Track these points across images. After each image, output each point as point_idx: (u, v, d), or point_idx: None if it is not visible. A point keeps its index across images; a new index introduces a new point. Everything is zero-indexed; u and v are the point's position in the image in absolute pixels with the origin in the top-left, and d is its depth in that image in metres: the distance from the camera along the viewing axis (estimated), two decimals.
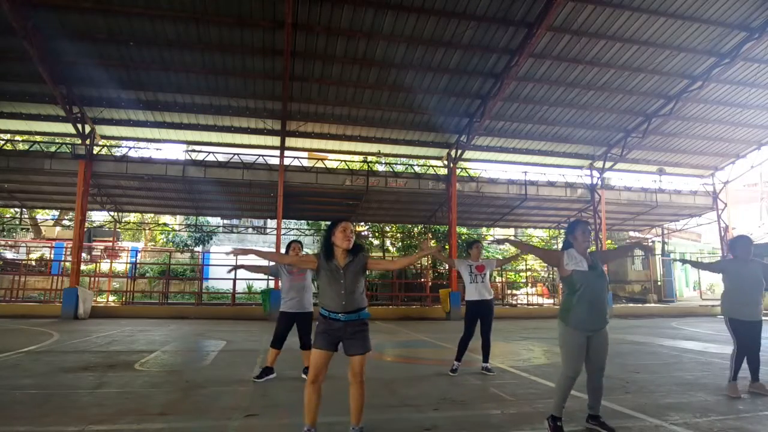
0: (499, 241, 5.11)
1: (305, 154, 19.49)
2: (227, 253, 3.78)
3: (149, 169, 16.00)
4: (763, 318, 4.96)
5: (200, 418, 3.93)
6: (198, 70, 13.45)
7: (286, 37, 11.93)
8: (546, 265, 22.01)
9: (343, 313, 3.21)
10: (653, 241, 26.13)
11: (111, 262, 22.01)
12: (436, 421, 3.88)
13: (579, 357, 3.53)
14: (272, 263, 5.74)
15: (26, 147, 16.21)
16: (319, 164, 17.45)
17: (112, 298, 19.55)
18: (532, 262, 26.55)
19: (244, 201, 18.97)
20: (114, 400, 4.44)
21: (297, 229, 24.97)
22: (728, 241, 6.15)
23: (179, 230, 26.08)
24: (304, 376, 5.49)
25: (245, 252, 3.56)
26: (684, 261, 5.76)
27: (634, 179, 20.78)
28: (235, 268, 5.74)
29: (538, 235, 28.60)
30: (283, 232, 18.60)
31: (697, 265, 5.60)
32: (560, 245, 3.96)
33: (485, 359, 6.00)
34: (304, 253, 5.44)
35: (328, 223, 3.46)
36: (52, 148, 16.13)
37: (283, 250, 7.02)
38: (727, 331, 5.00)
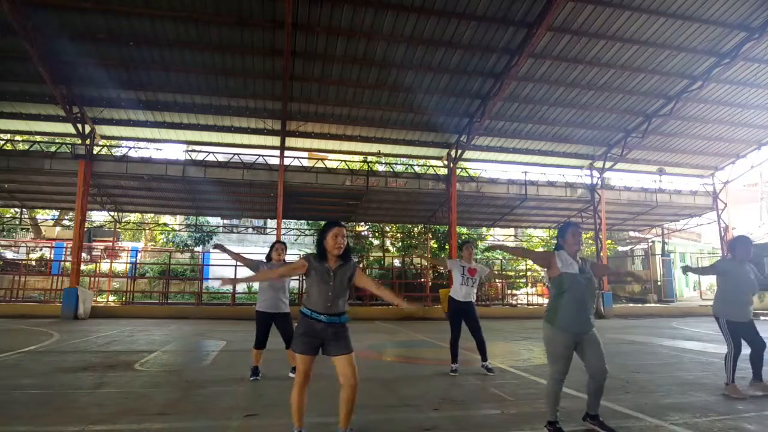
0: (493, 248, 5.19)
1: (305, 154, 19.49)
2: (220, 283, 3.87)
3: (149, 169, 15.99)
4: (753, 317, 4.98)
5: (200, 418, 3.93)
6: (198, 70, 13.45)
7: (286, 37, 11.93)
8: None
9: (326, 315, 3.23)
10: (653, 241, 26.13)
11: (111, 262, 22.01)
12: (436, 421, 3.88)
13: (565, 359, 3.53)
14: (255, 259, 5.82)
15: (26, 147, 16.21)
16: (319, 164, 17.45)
17: (112, 298, 19.55)
18: (532, 261, 26.51)
19: (244, 201, 18.97)
20: (114, 400, 4.44)
21: (297, 229, 24.96)
22: (728, 242, 6.08)
23: (179, 230, 26.08)
24: (291, 375, 5.50)
25: (233, 282, 3.93)
26: (687, 269, 5.54)
27: (634, 179, 20.79)
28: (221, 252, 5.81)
29: (538, 234, 28.62)
30: (283, 232, 18.61)
31: (698, 271, 5.54)
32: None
33: (483, 358, 6.00)
34: (292, 257, 5.63)
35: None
36: (52, 148, 16.13)
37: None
38: (721, 332, 4.99)
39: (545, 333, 3.64)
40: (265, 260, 5.78)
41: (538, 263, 3.80)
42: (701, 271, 5.54)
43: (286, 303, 5.67)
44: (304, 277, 3.41)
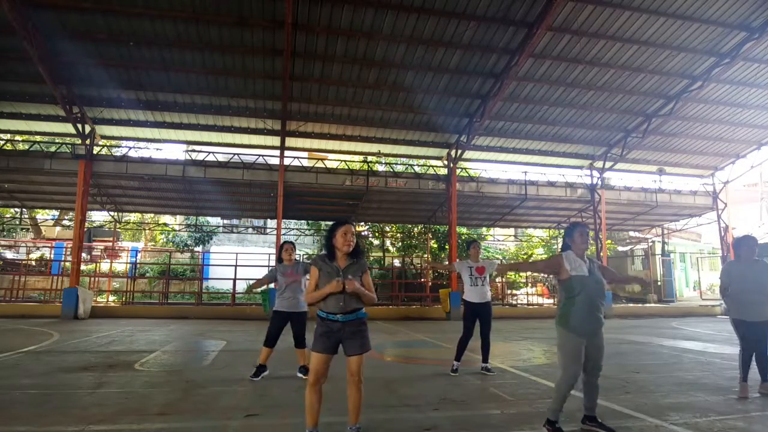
0: (502, 270, 5.23)
1: (305, 154, 19.49)
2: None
3: (149, 169, 15.99)
4: None
5: (200, 418, 3.93)
6: (198, 70, 13.44)
7: (286, 37, 11.93)
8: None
9: (341, 314, 3.23)
10: (653, 241, 26.13)
11: (111, 262, 22.01)
12: (436, 421, 3.88)
13: (579, 360, 3.54)
14: (271, 271, 5.90)
15: (26, 147, 16.20)
16: (319, 164, 17.44)
17: (112, 298, 19.55)
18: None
19: (244, 201, 18.96)
20: (114, 400, 4.44)
21: (297, 229, 24.97)
22: (733, 241, 6.00)
23: (179, 230, 26.08)
24: (299, 375, 5.52)
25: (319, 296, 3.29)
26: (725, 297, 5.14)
27: (634, 179, 20.78)
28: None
29: (538, 234, 28.61)
30: (283, 232, 18.60)
31: (725, 291, 5.09)
32: (560, 246, 3.98)
33: (485, 359, 6.00)
34: (296, 255, 5.76)
35: (329, 223, 3.46)
36: (52, 148, 16.12)
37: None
38: (733, 331, 4.99)
39: (559, 336, 3.66)
40: (276, 262, 5.80)
41: (548, 272, 3.79)
42: (725, 289, 5.07)
43: (305, 303, 5.67)
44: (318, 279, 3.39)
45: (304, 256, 21.37)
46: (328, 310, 3.24)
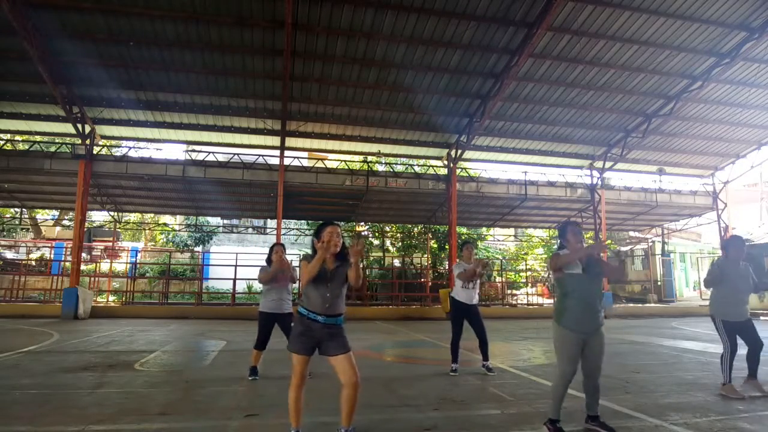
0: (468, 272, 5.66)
1: (305, 154, 19.49)
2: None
3: (149, 169, 15.99)
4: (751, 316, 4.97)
5: (200, 418, 3.93)
6: (198, 70, 13.45)
7: (286, 37, 11.93)
8: (545, 264, 22.10)
9: (323, 315, 3.23)
10: (653, 241, 26.12)
11: (111, 262, 22.01)
12: (436, 421, 3.88)
13: (575, 359, 3.53)
14: (263, 271, 5.70)
15: (26, 147, 16.20)
16: (319, 164, 17.44)
17: (112, 298, 19.55)
18: (532, 261, 26.56)
19: (244, 201, 18.97)
20: (114, 400, 4.44)
21: (297, 229, 24.96)
22: (723, 242, 6.08)
23: (179, 230, 26.08)
24: None
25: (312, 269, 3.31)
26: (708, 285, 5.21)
27: (634, 179, 20.79)
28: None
29: (538, 234, 28.62)
30: (283, 232, 18.60)
31: (709, 285, 5.23)
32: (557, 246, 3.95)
33: (485, 357, 6.00)
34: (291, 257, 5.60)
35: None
36: (52, 148, 16.12)
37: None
38: (717, 332, 5.00)
39: (554, 333, 3.64)
40: (265, 263, 5.74)
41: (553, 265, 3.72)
42: (711, 281, 5.15)
43: (289, 303, 5.68)
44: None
45: (303, 258, 21.33)
46: (311, 308, 3.24)
